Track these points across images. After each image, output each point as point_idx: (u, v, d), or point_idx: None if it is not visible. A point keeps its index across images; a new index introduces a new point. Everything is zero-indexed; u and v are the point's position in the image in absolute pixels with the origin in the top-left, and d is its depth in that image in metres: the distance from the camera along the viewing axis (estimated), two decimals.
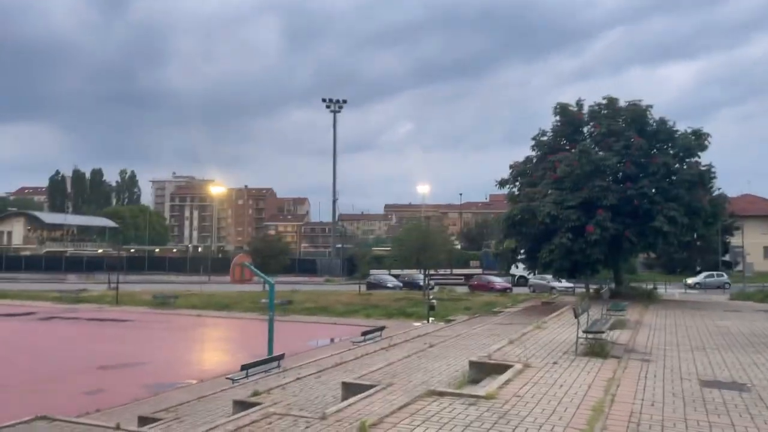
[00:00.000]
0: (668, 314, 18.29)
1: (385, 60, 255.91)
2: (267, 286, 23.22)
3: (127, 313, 34.72)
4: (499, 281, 45.88)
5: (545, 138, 24.99)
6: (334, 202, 72.28)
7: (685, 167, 22.75)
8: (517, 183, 25.24)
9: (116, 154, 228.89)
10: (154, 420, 11.60)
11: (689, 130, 23.56)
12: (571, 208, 21.54)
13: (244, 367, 15.83)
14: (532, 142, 25.06)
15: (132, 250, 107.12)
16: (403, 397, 8.64)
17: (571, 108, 24.78)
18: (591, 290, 32.82)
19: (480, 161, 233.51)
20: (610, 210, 21.77)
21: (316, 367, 15.38)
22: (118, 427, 9.10)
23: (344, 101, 75.26)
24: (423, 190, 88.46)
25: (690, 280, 45.95)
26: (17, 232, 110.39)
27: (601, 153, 22.68)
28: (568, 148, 23.81)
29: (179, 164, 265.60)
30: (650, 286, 32.32)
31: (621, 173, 23.04)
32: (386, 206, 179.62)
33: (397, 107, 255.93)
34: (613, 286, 26.56)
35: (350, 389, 10.36)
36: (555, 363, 9.67)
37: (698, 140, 23.20)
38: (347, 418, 7.57)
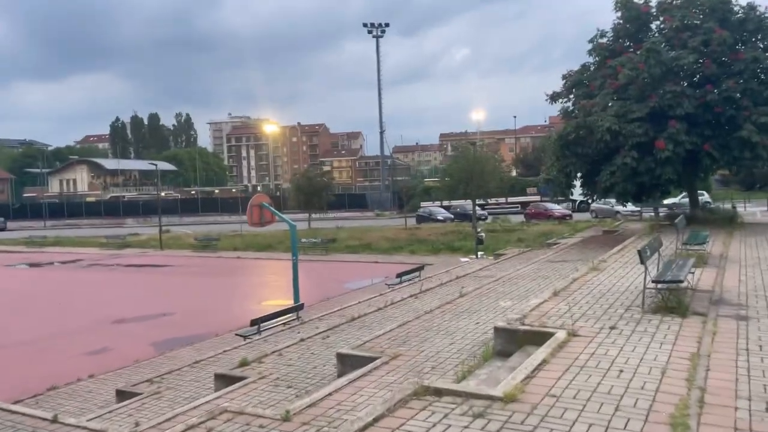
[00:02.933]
0: (759, 243, 15.04)
1: None
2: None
3: (168, 257, 34.15)
4: (557, 208, 42.59)
5: (604, 40, 21.04)
6: (382, 133, 69.57)
7: None
8: (572, 96, 21.63)
9: (175, 99, 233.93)
10: (133, 395, 9.98)
11: None
12: (637, 121, 17.98)
13: (254, 322, 14.12)
14: (589, 46, 21.18)
15: (192, 192, 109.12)
16: (399, 381, 6.40)
17: (635, 0, 20.62)
18: (661, 215, 29.29)
19: (540, 83, 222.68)
20: (685, 120, 18.09)
21: (338, 318, 13.48)
22: (55, 420, 7.34)
23: (387, 25, 70.84)
24: (478, 117, 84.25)
25: None
26: (81, 179, 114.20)
27: (673, 52, 18.71)
28: (632, 50, 19.91)
29: (236, 105, 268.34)
30: (730, 206, 28.42)
31: (699, 75, 19.01)
32: (441, 135, 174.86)
33: (452, 32, 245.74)
34: (687, 209, 23.09)
35: (346, 362, 8.23)
36: (613, 328, 7.08)
37: None
38: (314, 423, 5.41)
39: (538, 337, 6.95)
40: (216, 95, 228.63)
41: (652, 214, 31.10)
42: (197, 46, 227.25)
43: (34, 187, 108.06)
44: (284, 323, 14.83)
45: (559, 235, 28.72)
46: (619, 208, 34.36)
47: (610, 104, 18.83)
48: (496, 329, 7.36)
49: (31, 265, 33.23)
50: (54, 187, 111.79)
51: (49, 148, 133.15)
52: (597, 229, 29.01)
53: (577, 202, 41.75)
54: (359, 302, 16.37)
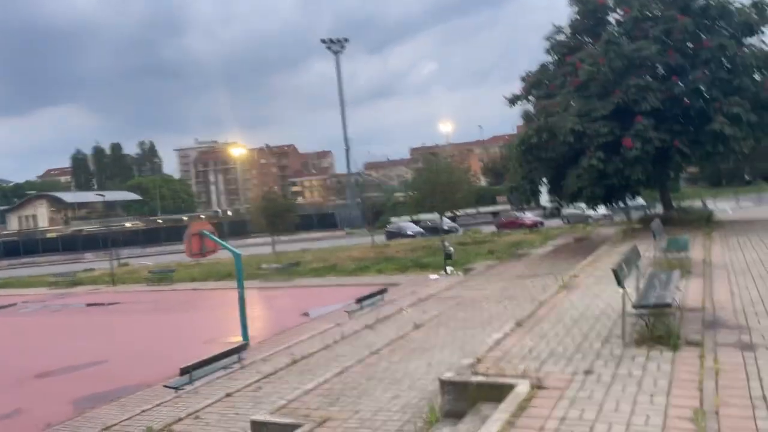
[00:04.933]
0: (743, 244, 13.77)
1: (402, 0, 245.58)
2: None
3: (119, 294, 31.91)
4: (528, 216, 41.51)
5: (562, 37, 19.87)
6: (347, 150, 68.20)
7: (746, 49, 17.55)
8: (531, 98, 20.33)
9: (141, 127, 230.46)
10: None
11: (747, 2, 18.20)
12: (601, 120, 16.71)
13: (184, 371, 12.30)
14: (547, 45, 19.98)
15: (159, 221, 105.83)
16: None
17: None
18: (631, 218, 28.21)
19: (506, 94, 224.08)
20: (653, 116, 16.88)
21: (285, 357, 11.78)
22: None
23: (346, 40, 69.67)
24: (446, 129, 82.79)
25: None
26: (41, 214, 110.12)
27: (634, 45, 17.54)
28: (591, 44, 18.75)
29: (204, 131, 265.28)
30: (700, 205, 27.47)
31: (663, 66, 17.92)
32: (412, 150, 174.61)
33: (418, 48, 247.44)
34: (659, 211, 21.95)
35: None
36: (589, 372, 5.53)
37: (761, 13, 17.88)
38: None
39: (495, 392, 5.37)
40: (182, 122, 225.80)
41: (624, 217, 30.05)
42: (162, 74, 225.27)
43: None
44: (224, 368, 13.11)
45: (530, 245, 27.44)
46: (591, 212, 33.33)
47: (571, 103, 17.57)
48: (443, 382, 5.74)
49: None
50: (13, 224, 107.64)
51: (9, 185, 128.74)
52: (568, 236, 27.86)
53: (547, 209, 40.66)
54: (311, 336, 14.71)
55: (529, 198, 20.02)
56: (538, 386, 5.26)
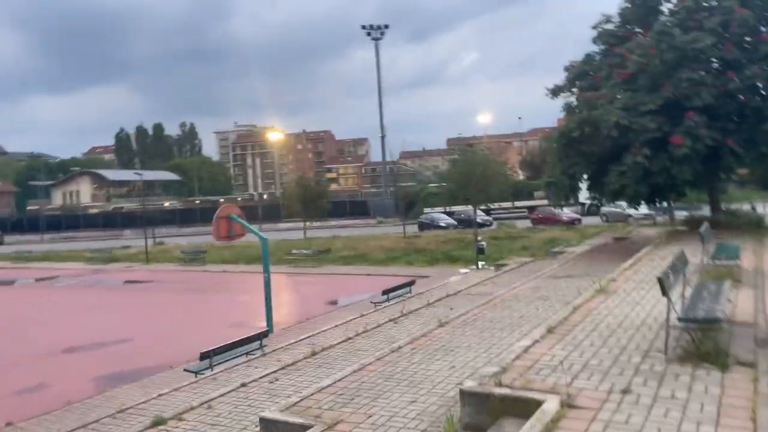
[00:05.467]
0: None
1: None
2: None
3: (152, 272, 32.36)
4: (566, 212, 40.36)
5: (610, 26, 18.89)
6: (383, 138, 67.60)
7: None
8: (575, 89, 19.44)
9: (183, 109, 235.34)
10: None
11: None
12: (649, 114, 15.78)
13: (204, 355, 12.17)
14: (594, 34, 19.03)
15: (197, 202, 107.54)
16: None
17: None
18: (676, 219, 27.03)
19: (549, 86, 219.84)
20: (705, 112, 15.88)
21: (306, 347, 11.52)
22: None
23: (386, 26, 68.96)
24: (484, 121, 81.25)
25: None
26: (84, 191, 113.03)
27: (688, 36, 16.49)
28: (642, 34, 17.75)
29: (243, 114, 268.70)
30: (748, 209, 26.07)
31: (718, 60, 16.83)
32: (448, 140, 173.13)
33: (460, 37, 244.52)
34: (707, 213, 20.86)
35: (272, 429, 6.21)
36: (626, 392, 5.00)
37: None
38: None
39: (520, 407, 4.90)
40: (222, 104, 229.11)
41: (667, 217, 28.81)
42: (206, 57, 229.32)
43: (38, 199, 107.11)
44: (246, 354, 12.94)
45: (566, 243, 26.57)
46: (631, 211, 32.09)
47: (617, 96, 16.67)
48: (463, 393, 5.29)
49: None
50: (57, 199, 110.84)
51: (55, 161, 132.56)
52: (607, 235, 26.86)
53: (586, 206, 39.42)
54: (335, 326, 14.40)
55: (568, 194, 19.22)
56: (568, 404, 4.76)
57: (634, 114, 15.83)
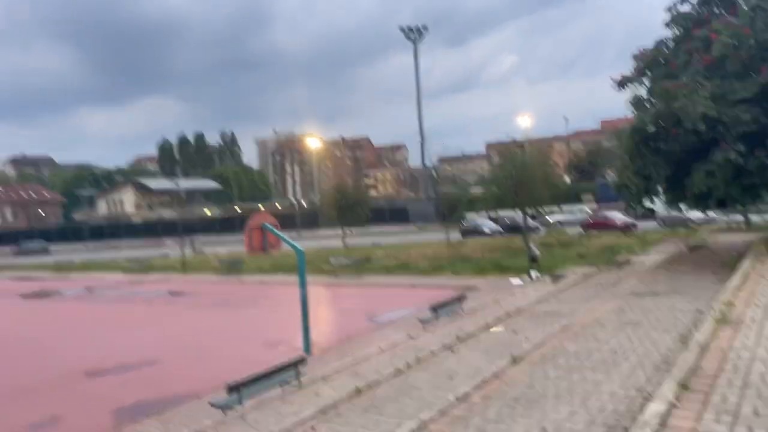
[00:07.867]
0: None
1: None
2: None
3: (187, 283, 31.34)
4: (619, 217, 37.85)
5: (687, 7, 16.70)
6: (422, 143, 65.89)
7: None
8: (646, 80, 17.26)
9: (223, 117, 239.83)
10: None
11: None
12: (742, 104, 13.61)
13: (232, 389, 10.57)
14: (667, 17, 16.83)
15: (237, 209, 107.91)
16: None
17: None
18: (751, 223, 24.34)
19: (590, 88, 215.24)
20: None
21: (348, 378, 9.91)
22: None
23: (425, 28, 67.31)
24: (525, 123, 78.20)
25: None
26: (128, 200, 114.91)
27: None
28: (725, 14, 15.51)
29: (282, 122, 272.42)
30: None
31: None
32: (488, 144, 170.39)
33: (498, 40, 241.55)
34: None
35: None
36: None
37: None
38: None
39: None
40: (262, 112, 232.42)
41: (743, 220, 26.08)
42: (246, 66, 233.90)
43: (84, 209, 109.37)
44: (280, 384, 11.32)
45: (629, 251, 24.26)
46: (692, 215, 29.42)
47: (701, 84, 14.48)
48: None
49: (34, 295, 30.87)
50: (102, 208, 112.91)
51: (102, 170, 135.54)
52: (675, 242, 24.38)
53: (638, 209, 36.81)
54: (381, 350, 12.68)
55: (643, 197, 17.04)
56: None
57: (724, 104, 13.65)
